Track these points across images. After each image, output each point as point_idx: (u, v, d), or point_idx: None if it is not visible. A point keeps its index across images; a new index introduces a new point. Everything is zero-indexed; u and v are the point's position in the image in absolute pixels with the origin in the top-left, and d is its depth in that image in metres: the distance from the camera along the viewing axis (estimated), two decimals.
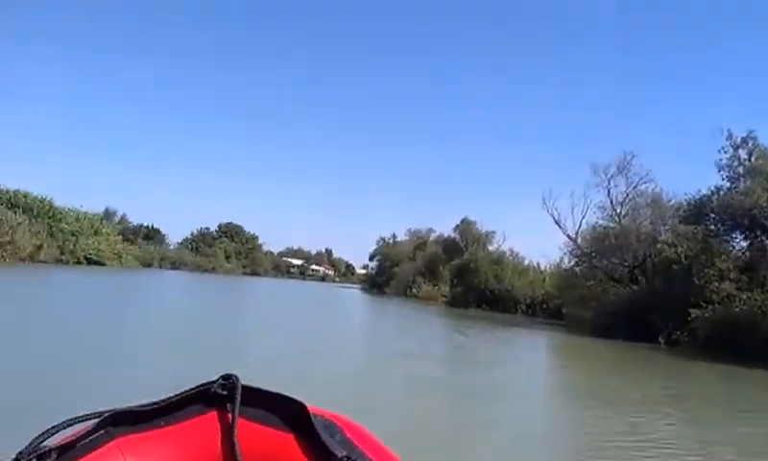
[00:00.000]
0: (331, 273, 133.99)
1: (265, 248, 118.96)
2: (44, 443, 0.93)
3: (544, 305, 54.30)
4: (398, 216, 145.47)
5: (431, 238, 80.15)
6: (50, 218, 65.44)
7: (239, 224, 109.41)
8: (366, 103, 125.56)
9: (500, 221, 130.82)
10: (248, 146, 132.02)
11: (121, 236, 79.48)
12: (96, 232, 73.36)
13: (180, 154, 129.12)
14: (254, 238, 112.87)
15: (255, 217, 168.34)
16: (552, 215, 47.16)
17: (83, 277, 48.52)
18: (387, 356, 19.52)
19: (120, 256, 75.70)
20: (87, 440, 0.95)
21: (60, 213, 68.10)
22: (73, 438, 0.95)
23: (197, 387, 1.05)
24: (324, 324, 31.38)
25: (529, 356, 26.05)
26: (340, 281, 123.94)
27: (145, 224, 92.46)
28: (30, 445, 0.92)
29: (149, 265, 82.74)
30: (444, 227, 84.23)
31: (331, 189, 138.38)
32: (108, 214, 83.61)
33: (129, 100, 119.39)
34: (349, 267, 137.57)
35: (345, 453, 0.94)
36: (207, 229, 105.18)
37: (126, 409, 1.01)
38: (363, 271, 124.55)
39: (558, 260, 52.11)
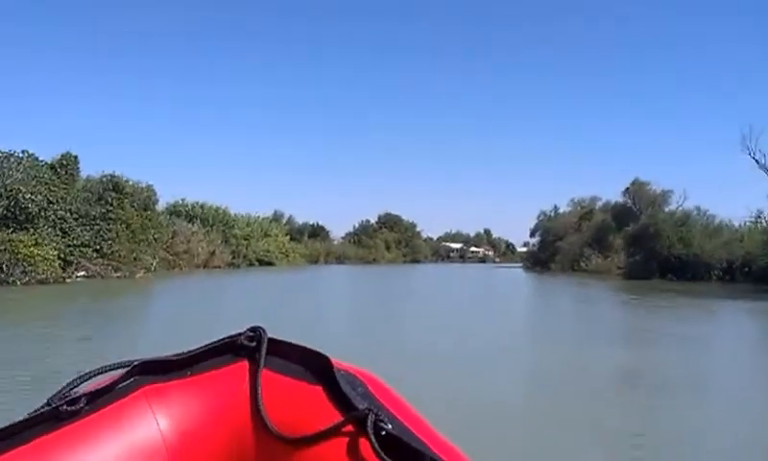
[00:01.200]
0: (491, 253, 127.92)
1: (424, 234, 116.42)
2: (74, 390, 0.94)
3: (745, 269, 44.85)
4: (557, 187, 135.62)
5: (597, 206, 71.81)
6: (224, 225, 67.06)
7: (397, 213, 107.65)
8: (507, 90, 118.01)
9: (675, 178, 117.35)
10: (402, 135, 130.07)
11: (288, 236, 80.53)
12: (266, 235, 74.89)
13: (339, 152, 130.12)
14: (413, 226, 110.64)
15: (413, 205, 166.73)
16: (755, 158, 37.92)
17: (271, 277, 47.98)
18: (577, 353, 14.38)
19: (288, 255, 76.65)
20: (116, 388, 0.96)
21: (234, 220, 69.85)
22: (102, 386, 0.96)
23: (224, 338, 1.03)
24: (489, 310, 26.53)
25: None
26: (500, 262, 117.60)
27: (310, 222, 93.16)
28: (60, 391, 0.93)
29: (315, 261, 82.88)
30: (610, 192, 75.39)
31: (487, 169, 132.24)
32: (276, 217, 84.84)
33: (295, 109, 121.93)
34: (509, 246, 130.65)
35: (366, 405, 0.92)
36: (368, 221, 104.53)
37: (154, 359, 1.01)
38: (524, 249, 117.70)
39: (755, 214, 42.54)
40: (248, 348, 1.02)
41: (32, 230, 33.97)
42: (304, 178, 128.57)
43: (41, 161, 38.01)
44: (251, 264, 67.72)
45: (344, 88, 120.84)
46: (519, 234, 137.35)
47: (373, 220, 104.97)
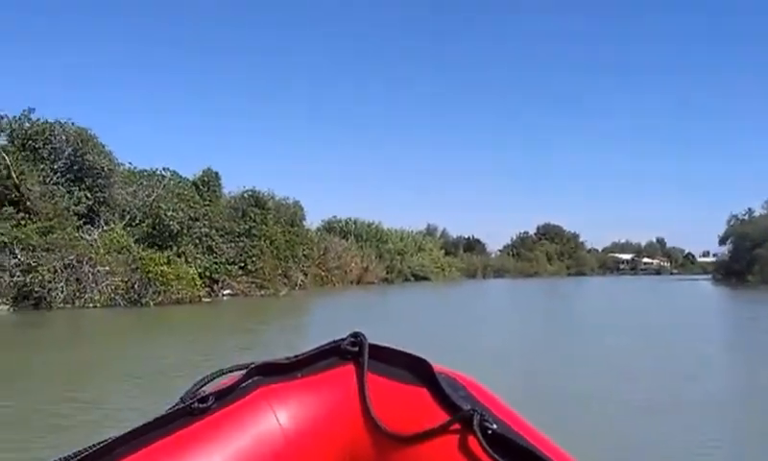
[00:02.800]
0: (667, 265, 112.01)
1: (588, 245, 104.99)
2: (202, 389, 1.00)
3: None
4: (743, 188, 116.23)
5: None
6: (377, 241, 64.05)
7: (558, 224, 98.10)
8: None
9: None
10: (563, 145, 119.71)
11: (443, 250, 75.91)
12: (420, 249, 71.31)
13: (489, 162, 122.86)
14: (576, 237, 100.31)
15: (574, 215, 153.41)
16: None
17: (428, 292, 44.22)
18: None
19: (444, 269, 72.18)
20: (238, 387, 1.02)
21: (387, 235, 66.79)
22: (226, 386, 1.02)
23: (328, 343, 1.08)
24: (698, 338, 18.49)
25: None
26: (678, 273, 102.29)
27: (465, 236, 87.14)
28: (191, 390, 1.00)
29: (473, 275, 77.55)
30: None
31: (657, 174, 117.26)
32: (429, 230, 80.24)
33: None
34: (688, 256, 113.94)
35: (469, 407, 0.93)
36: (526, 233, 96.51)
37: (269, 361, 1.06)
38: (705, 258, 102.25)
39: None
40: (351, 352, 1.04)
41: (174, 249, 31.70)
42: (456, 191, 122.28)
43: (184, 179, 36.28)
44: (406, 279, 64.52)
45: (501, 98, 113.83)
46: (698, 243, 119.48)
47: (532, 231, 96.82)
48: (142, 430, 0.93)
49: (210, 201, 35.92)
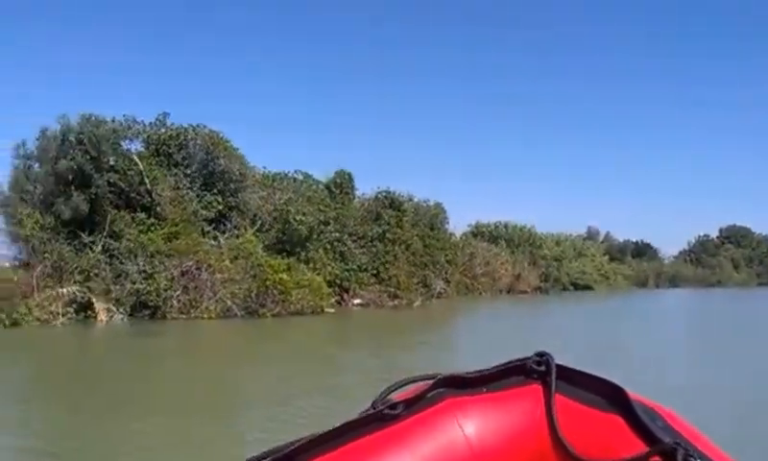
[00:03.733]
0: None
1: None
2: (390, 396, 1.02)
3: None
4: None
5: None
6: (530, 246, 58.06)
7: (745, 226, 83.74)
8: None
9: None
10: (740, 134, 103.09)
11: (607, 256, 67.44)
12: (579, 255, 64.13)
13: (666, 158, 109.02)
14: None
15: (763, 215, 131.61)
16: None
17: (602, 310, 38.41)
18: None
19: (608, 278, 64.41)
20: (426, 397, 1.02)
21: (541, 240, 60.56)
22: (414, 394, 1.03)
23: (513, 361, 1.06)
24: None
25: None
26: None
27: (633, 240, 77.12)
28: (380, 396, 1.02)
29: (642, 284, 68.61)
30: None
31: None
32: (590, 234, 71.84)
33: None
34: None
35: (670, 440, 0.86)
36: (707, 236, 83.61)
37: (456, 374, 1.06)
38: None
39: None
40: (537, 371, 1.01)
41: (303, 255, 29.33)
42: (621, 190, 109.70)
43: (317, 181, 34.06)
44: (564, 288, 58.04)
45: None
46: None
47: (714, 234, 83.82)
48: (338, 432, 0.95)
49: (342, 203, 33.32)
